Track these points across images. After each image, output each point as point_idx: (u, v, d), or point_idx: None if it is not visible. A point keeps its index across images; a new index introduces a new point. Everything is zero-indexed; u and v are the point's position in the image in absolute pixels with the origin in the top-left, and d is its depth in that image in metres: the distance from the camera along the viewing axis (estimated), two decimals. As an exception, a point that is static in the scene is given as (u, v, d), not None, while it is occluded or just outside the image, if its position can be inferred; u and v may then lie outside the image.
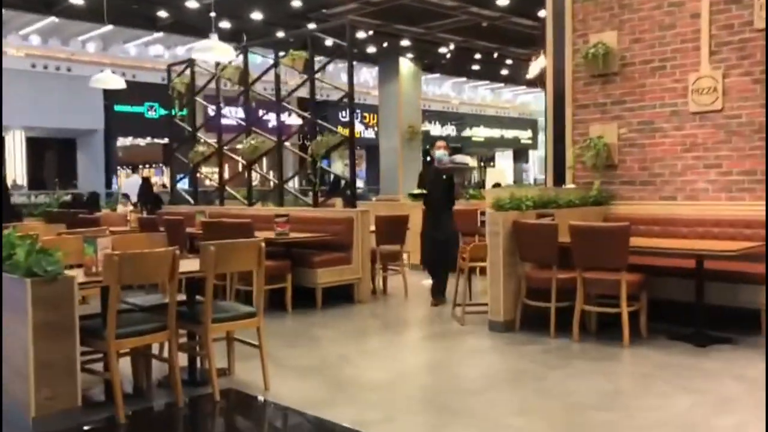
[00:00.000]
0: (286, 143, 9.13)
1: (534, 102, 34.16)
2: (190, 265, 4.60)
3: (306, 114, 8.52)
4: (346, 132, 8.04)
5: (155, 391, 4.65)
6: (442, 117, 30.16)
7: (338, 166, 16.62)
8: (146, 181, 14.87)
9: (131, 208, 11.14)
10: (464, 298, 6.51)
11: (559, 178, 7.59)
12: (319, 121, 8.23)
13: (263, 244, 4.68)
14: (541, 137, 37.27)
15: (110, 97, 22.00)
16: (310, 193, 8.47)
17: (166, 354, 4.64)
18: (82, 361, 4.06)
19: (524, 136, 35.95)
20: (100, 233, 5.96)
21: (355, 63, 13.39)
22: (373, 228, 7.87)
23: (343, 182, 8.74)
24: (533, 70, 10.68)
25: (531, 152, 37.43)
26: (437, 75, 18.42)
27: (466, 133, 32.18)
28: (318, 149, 7.91)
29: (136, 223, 8.92)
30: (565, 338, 5.75)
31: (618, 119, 7.11)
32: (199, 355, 4.85)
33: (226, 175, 10.18)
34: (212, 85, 10.02)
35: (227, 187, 9.63)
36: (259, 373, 4.59)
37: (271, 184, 10.94)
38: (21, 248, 4.03)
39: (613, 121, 7.12)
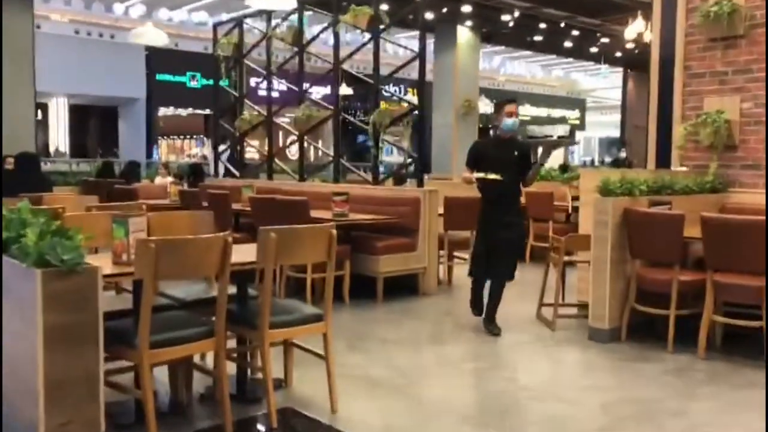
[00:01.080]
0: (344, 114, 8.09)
1: (584, 80, 32.57)
2: (243, 253, 3.63)
3: (368, 80, 7.44)
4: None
5: (196, 408, 3.70)
6: (488, 93, 28.78)
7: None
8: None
9: (171, 179, 10.25)
10: (557, 297, 5.44)
11: (662, 160, 6.43)
12: (384, 89, 7.16)
13: (335, 232, 3.68)
14: (588, 117, 35.74)
15: (152, 65, 21.36)
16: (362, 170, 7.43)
17: (209, 363, 3.69)
18: (106, 371, 3.12)
19: (572, 116, 34.38)
20: (135, 209, 5.03)
21: (405, 34, 12.27)
22: (440, 211, 6.83)
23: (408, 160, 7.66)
24: (629, 33, 9.48)
25: (578, 133, 35.83)
26: (487, 47, 17.09)
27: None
28: (381, 119, 6.86)
29: (176, 197, 8.01)
30: (685, 353, 4.67)
31: (741, 91, 5.91)
32: (250, 366, 3.90)
33: (274, 147, 9.19)
34: (256, 54, 9.02)
35: (276, 160, 8.65)
36: (322, 387, 3.63)
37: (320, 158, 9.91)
38: (33, 228, 3.08)
39: (735, 94, 5.92)
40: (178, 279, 3.76)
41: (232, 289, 3.76)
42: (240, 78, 9.08)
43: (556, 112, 33.52)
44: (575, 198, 7.43)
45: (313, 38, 7.89)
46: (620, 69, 20.22)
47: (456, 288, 7.04)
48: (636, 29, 9.13)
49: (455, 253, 7.14)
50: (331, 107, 7.72)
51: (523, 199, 8.82)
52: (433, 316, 5.99)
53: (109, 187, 8.67)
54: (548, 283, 5.71)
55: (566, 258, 5.47)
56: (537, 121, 32.77)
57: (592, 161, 34.42)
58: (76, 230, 3.07)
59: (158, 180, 10.94)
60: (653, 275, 4.94)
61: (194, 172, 10.05)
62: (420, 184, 6.72)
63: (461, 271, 7.21)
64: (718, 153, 5.92)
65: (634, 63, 18.01)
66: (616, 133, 40.08)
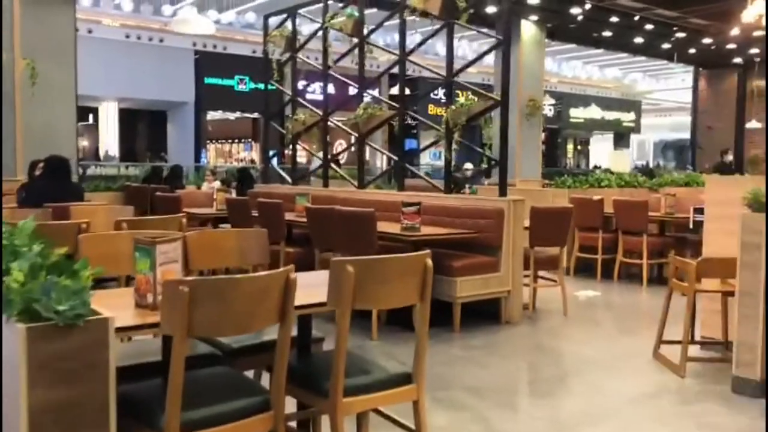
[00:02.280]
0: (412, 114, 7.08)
1: (642, 81, 30.99)
2: (306, 284, 2.66)
3: (437, 74, 6.41)
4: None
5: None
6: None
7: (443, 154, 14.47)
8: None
9: (218, 184, 9.39)
10: (686, 335, 4.32)
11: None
12: (459, 82, 6.11)
13: (429, 262, 2.68)
14: (645, 121, 34.03)
15: (201, 69, 20.86)
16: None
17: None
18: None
19: (626, 118, 32.74)
20: (174, 225, 4.11)
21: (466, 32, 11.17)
22: (527, 224, 5.76)
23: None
24: (748, 16, 8.27)
25: (632, 136, 34.26)
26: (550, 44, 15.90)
27: (566, 112, 29.38)
28: (456, 117, 5.83)
29: (223, 205, 7.12)
30: None
31: None
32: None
33: (330, 151, 8.24)
34: (308, 55, 8.08)
35: (333, 165, 7.68)
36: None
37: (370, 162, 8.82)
38: (22, 261, 2.15)
39: None
40: (221, 335, 2.79)
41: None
42: (293, 75, 8.15)
43: (610, 115, 31.96)
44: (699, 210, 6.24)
45: (376, 27, 6.90)
46: (689, 68, 18.80)
47: (542, 315, 5.95)
48: (757, 11, 7.92)
49: (541, 274, 6.06)
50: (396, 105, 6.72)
51: (609, 209, 7.80)
52: (523, 352, 4.92)
53: (151, 194, 7.85)
54: (686, 319, 4.58)
55: (700, 286, 4.34)
56: (590, 124, 31.31)
57: (647, 165, 32.78)
58: (83, 264, 2.12)
59: (205, 186, 10.12)
60: (823, 313, 3.79)
61: (242, 178, 9.17)
62: (503, 192, 5.66)
63: (547, 295, 6.14)
64: None
65: (708, 61, 16.60)
66: (671, 136, 38.33)
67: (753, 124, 15.74)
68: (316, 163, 9.45)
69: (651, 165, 31.87)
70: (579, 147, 34.34)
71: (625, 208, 7.39)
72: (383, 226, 5.51)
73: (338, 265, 2.48)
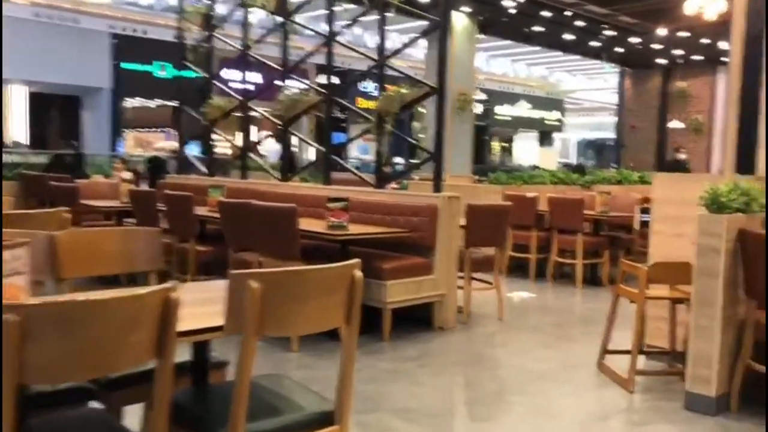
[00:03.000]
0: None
1: (566, 80, 31.44)
2: (203, 300, 2.06)
3: (371, 57, 5.86)
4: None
5: None
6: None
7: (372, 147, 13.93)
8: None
9: (128, 175, 8.52)
10: (636, 346, 3.93)
11: (743, 164, 4.98)
12: (393, 66, 5.56)
13: (359, 274, 2.13)
14: (568, 119, 34.55)
15: (119, 53, 19.66)
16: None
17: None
18: None
19: (551, 117, 33.17)
20: (51, 219, 3.40)
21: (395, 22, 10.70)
22: (462, 222, 5.30)
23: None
24: (690, 8, 8.00)
25: (555, 135, 34.76)
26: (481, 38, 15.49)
27: (493, 110, 29.44)
28: (388, 106, 5.30)
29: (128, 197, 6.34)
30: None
31: None
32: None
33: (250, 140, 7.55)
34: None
35: (252, 155, 7.01)
36: None
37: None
38: None
39: None
40: (68, 380, 2.13)
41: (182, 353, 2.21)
42: (209, 56, 7.41)
43: (536, 113, 32.29)
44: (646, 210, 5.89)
45: (302, 4, 6.27)
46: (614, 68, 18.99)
47: (477, 320, 5.50)
48: (697, 3, 7.71)
49: (476, 275, 5.60)
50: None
51: (543, 206, 7.45)
52: (459, 365, 4.44)
53: (47, 183, 6.96)
54: (636, 328, 4.20)
55: (650, 293, 3.96)
56: (516, 121, 31.52)
57: (580, 163, 33.33)
58: None
59: (115, 176, 9.21)
60: (783, 324, 3.47)
61: (153, 168, 8.34)
62: (437, 188, 5.16)
63: (481, 297, 5.71)
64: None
65: (633, 61, 16.74)
66: (591, 135, 39.21)
67: (674, 124, 16.00)
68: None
69: (573, 163, 32.37)
70: (504, 144, 34.56)
71: (560, 206, 7.06)
72: (307, 224, 4.93)
73: (238, 280, 1.89)
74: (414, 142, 5.26)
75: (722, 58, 15.48)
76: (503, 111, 30.45)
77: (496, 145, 34.06)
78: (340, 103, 6.11)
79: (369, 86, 19.91)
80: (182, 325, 1.81)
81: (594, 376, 4.15)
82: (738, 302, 3.61)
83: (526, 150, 33.69)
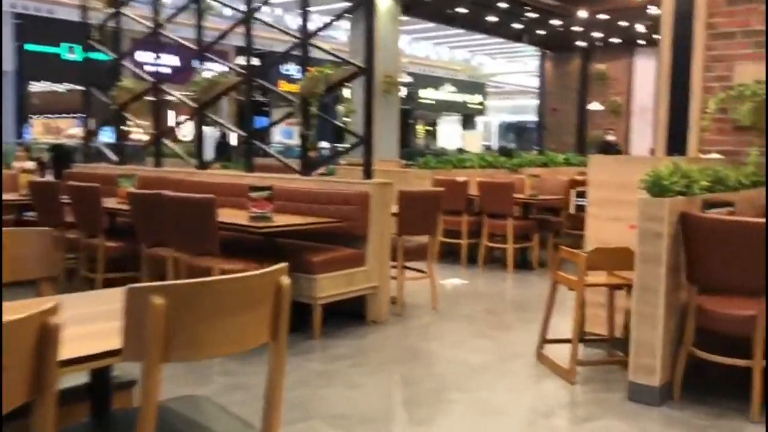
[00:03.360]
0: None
1: (488, 63, 31.71)
2: (96, 322, 1.70)
3: (294, 36, 5.47)
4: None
5: None
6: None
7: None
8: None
9: (31, 165, 7.82)
10: (576, 335, 3.78)
11: (675, 145, 4.93)
12: (317, 45, 5.20)
13: (286, 281, 1.81)
14: (489, 103, 34.91)
15: (22, 34, 18.35)
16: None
17: None
18: None
19: (473, 100, 33.43)
20: None
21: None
22: (394, 209, 5.03)
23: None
24: None
25: (478, 118, 35.14)
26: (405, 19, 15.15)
27: (417, 93, 29.38)
28: (313, 87, 4.95)
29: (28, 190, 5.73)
30: (775, 421, 3.15)
31: (784, 57, 4.48)
32: None
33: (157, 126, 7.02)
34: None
35: (168, 142, 6.49)
36: None
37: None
38: None
39: (776, 60, 4.49)
40: None
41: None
42: (117, 36, 6.81)
43: (458, 97, 32.44)
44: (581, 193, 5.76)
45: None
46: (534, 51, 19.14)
47: (410, 311, 5.27)
48: None
49: (408, 264, 5.36)
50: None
51: (473, 191, 7.29)
52: (395, 361, 4.17)
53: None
54: (576, 316, 4.04)
55: (591, 280, 3.81)
56: (440, 105, 31.58)
57: (490, 146, 33.79)
58: None
59: (16, 166, 8.45)
60: (725, 309, 3.37)
61: (58, 156, 7.66)
62: (368, 174, 4.86)
63: (413, 286, 5.48)
64: (760, 134, 4.46)
65: (554, 44, 16.90)
66: (511, 118, 39.87)
67: (594, 106, 16.28)
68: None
69: (494, 146, 32.79)
70: (429, 128, 34.63)
71: (491, 190, 6.91)
72: (228, 215, 4.55)
73: (137, 295, 1.53)
74: (341, 125, 4.92)
75: (639, 41, 15.84)
76: (427, 95, 30.43)
77: (421, 129, 34.08)
78: (261, 85, 5.70)
79: (291, 69, 19.32)
80: (69, 350, 1.46)
81: (533, 368, 3.99)
82: (680, 288, 3.49)
83: (449, 134, 33.87)
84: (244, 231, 4.32)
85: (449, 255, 7.60)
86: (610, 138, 13.45)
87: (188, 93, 5.94)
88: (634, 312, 3.48)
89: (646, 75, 16.18)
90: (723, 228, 3.33)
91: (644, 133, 16.27)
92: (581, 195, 5.30)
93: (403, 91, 27.58)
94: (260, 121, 24.62)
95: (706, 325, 3.42)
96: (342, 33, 18.20)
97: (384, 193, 4.82)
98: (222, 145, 12.83)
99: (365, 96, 4.82)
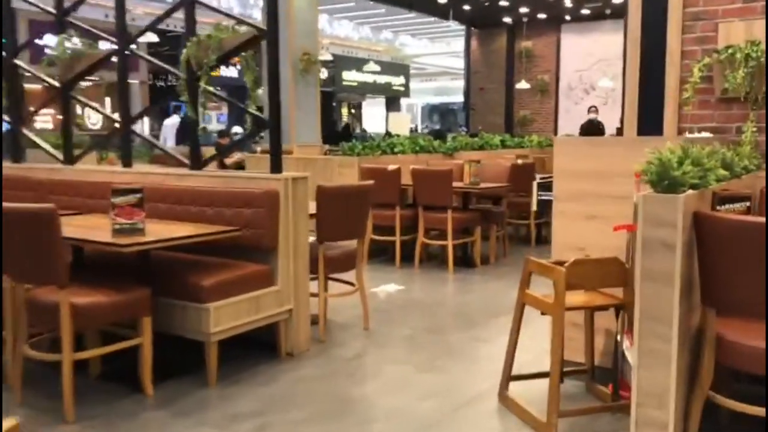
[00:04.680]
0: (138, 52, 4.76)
1: (411, 44, 30.82)
2: None
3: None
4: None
5: None
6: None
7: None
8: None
9: None
10: (556, 373, 2.82)
11: (648, 123, 4.05)
12: (207, 3, 4.00)
13: None
14: (412, 85, 33.99)
15: None
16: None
17: None
18: None
19: (397, 82, 32.46)
20: None
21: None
22: (312, 210, 3.94)
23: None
24: None
25: (402, 100, 34.26)
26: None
27: (339, 75, 28.17)
28: (201, 55, 3.78)
29: None
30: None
31: (778, 13, 3.65)
32: None
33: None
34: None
35: (26, 131, 5.13)
36: None
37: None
38: None
39: (769, 17, 3.66)
40: None
41: None
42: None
43: (382, 78, 31.40)
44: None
45: None
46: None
47: (336, 334, 4.22)
48: None
49: (333, 276, 4.30)
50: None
51: (407, 180, 6.29)
52: (319, 420, 3.09)
53: None
54: (556, 347, 3.09)
55: (571, 302, 2.86)
56: (363, 87, 30.47)
57: (416, 128, 33.06)
58: None
59: None
60: (751, 340, 2.49)
61: None
62: (277, 167, 3.74)
63: (343, 304, 4.44)
64: (757, 106, 3.62)
65: (479, 20, 16.06)
66: (436, 100, 39.24)
67: (522, 85, 15.62)
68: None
69: (419, 129, 32.03)
70: (353, 111, 33.51)
71: (426, 178, 5.92)
72: (84, 228, 3.38)
73: None
74: (241, 105, 3.81)
75: (566, 17, 15.20)
76: (350, 77, 29.25)
77: (344, 112, 32.88)
78: (141, 57, 4.45)
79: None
80: None
81: (498, 418, 3.02)
82: (692, 312, 2.59)
83: (374, 116, 32.85)
84: (104, 250, 3.15)
85: (381, 254, 6.60)
86: (593, 117, 11.17)
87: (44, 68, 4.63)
88: (636, 348, 2.55)
89: (573, 52, 15.61)
90: (752, 232, 2.43)
91: (573, 111, 15.73)
92: (545, 187, 4.37)
93: (325, 73, 26.34)
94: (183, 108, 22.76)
95: (726, 361, 2.54)
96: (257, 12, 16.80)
97: (297, 189, 3.72)
98: (185, 127, 11.20)
99: (269, 67, 3.69)
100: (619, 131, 5.94)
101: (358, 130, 27.87)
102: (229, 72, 21.01)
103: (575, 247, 3.35)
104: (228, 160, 11.16)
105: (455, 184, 5.97)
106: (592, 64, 15.29)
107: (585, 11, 14.64)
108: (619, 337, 3.06)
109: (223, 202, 3.73)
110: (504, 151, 8.64)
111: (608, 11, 14.27)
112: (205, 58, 3.80)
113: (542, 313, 2.96)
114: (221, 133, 11.80)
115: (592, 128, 10.84)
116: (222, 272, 3.45)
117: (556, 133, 14.34)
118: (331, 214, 3.98)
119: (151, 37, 11.78)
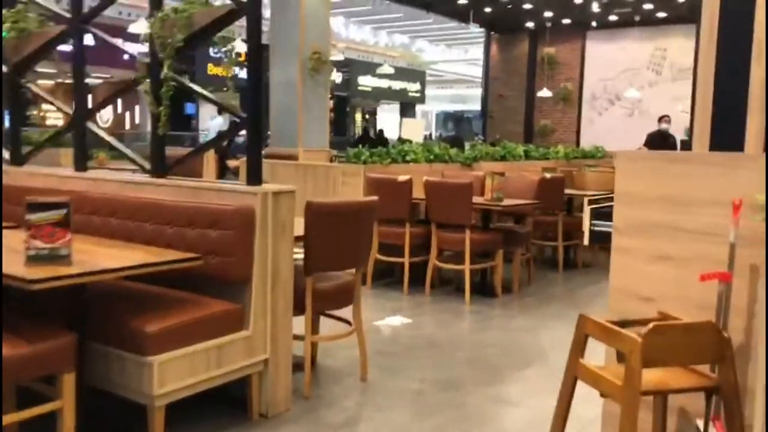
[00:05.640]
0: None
1: (429, 50, 30.08)
2: None
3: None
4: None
5: None
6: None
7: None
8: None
9: None
10: (624, 495, 1.97)
11: (725, 136, 3.19)
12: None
13: None
14: (428, 92, 33.15)
15: None
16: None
17: None
18: None
19: (412, 88, 31.70)
20: None
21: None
22: (299, 232, 3.10)
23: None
24: None
25: (417, 107, 33.56)
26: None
27: (355, 80, 27.49)
28: (167, 33, 2.97)
29: None
30: None
31: None
32: None
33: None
34: None
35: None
36: None
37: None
38: None
39: None
40: None
41: None
42: None
43: (397, 84, 30.65)
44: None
45: None
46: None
47: (325, 386, 3.38)
48: None
49: (326, 313, 3.46)
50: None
51: (419, 193, 5.45)
52: None
53: None
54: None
55: (646, 384, 2.01)
56: (378, 92, 29.73)
57: (430, 136, 32.32)
58: None
59: None
60: None
61: None
62: (255, 178, 2.92)
63: (337, 346, 3.61)
64: None
65: (500, 24, 15.21)
66: (450, 107, 38.44)
67: (543, 93, 14.74)
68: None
69: (434, 136, 31.22)
70: (367, 116, 32.81)
71: (442, 192, 5.08)
72: (5, 249, 2.57)
73: None
74: (214, 99, 3.00)
75: (592, 23, 14.33)
76: (365, 82, 28.54)
77: (358, 117, 32.16)
78: (98, 34, 3.63)
79: (221, 51, 17.01)
80: None
81: None
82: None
83: (389, 122, 32.12)
84: (14, 287, 2.33)
85: (386, 275, 5.77)
86: (664, 127, 8.70)
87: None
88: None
89: (599, 60, 14.71)
90: None
91: (596, 122, 14.82)
92: (602, 215, 3.50)
93: (339, 77, 25.60)
94: (189, 107, 21.99)
95: None
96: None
97: (279, 206, 2.90)
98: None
99: (249, 48, 2.87)
100: (685, 145, 5.04)
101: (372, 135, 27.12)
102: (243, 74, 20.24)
103: (640, 297, 2.50)
104: (232, 163, 10.37)
105: (475, 199, 5.12)
106: (618, 74, 14.39)
107: (612, 17, 13.75)
108: (701, 424, 2.21)
109: (185, 220, 2.90)
110: (526, 162, 7.78)
111: (637, 18, 13.36)
112: (170, 37, 2.99)
113: (602, 395, 2.11)
114: (221, 134, 11.02)
115: (662, 142, 8.57)
116: (174, 313, 2.63)
117: (578, 145, 13.42)
118: (322, 237, 3.14)
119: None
